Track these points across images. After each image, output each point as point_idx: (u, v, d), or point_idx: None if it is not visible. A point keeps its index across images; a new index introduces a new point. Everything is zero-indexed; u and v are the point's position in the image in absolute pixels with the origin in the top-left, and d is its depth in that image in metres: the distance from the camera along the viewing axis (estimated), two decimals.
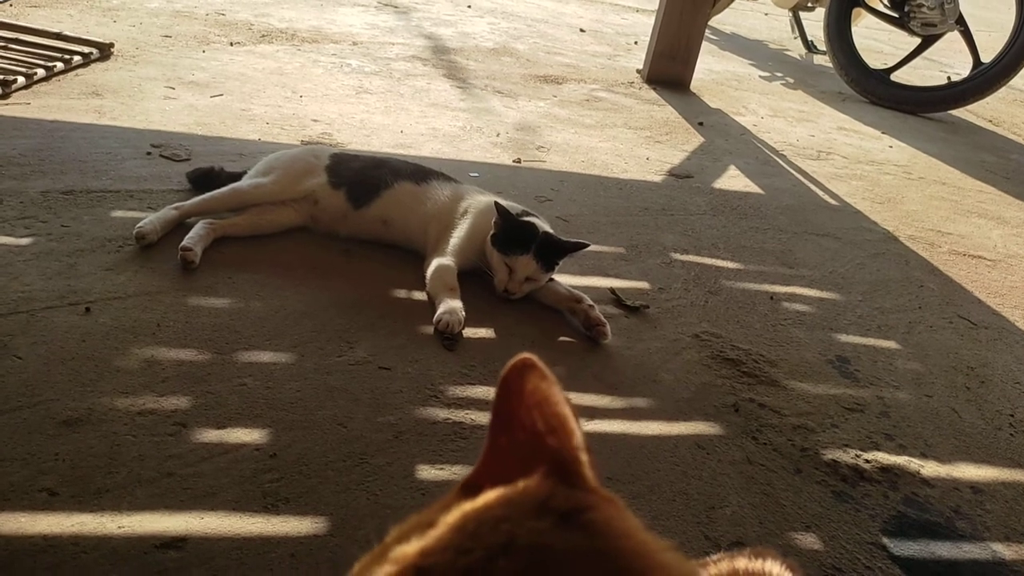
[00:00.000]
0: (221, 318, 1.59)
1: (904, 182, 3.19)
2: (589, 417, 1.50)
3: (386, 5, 4.67)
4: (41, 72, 2.60)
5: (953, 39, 4.35)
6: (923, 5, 4.12)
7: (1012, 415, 1.75)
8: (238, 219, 1.89)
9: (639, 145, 3.07)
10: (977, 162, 3.61)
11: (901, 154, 3.55)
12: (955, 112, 4.35)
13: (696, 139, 3.26)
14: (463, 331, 1.67)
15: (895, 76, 4.32)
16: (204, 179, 2.04)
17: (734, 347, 1.81)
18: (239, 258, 1.81)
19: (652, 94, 3.81)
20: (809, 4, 5.12)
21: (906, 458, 1.54)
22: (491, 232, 1.82)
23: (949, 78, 4.38)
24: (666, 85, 3.94)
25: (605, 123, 3.27)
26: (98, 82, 2.70)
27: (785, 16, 5.85)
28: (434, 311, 1.70)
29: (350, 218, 1.94)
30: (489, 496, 0.42)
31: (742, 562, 0.76)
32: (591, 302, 1.79)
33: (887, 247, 2.52)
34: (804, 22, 5.43)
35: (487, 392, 1.51)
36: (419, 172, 2.00)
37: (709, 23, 4.51)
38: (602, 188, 2.59)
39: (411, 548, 0.40)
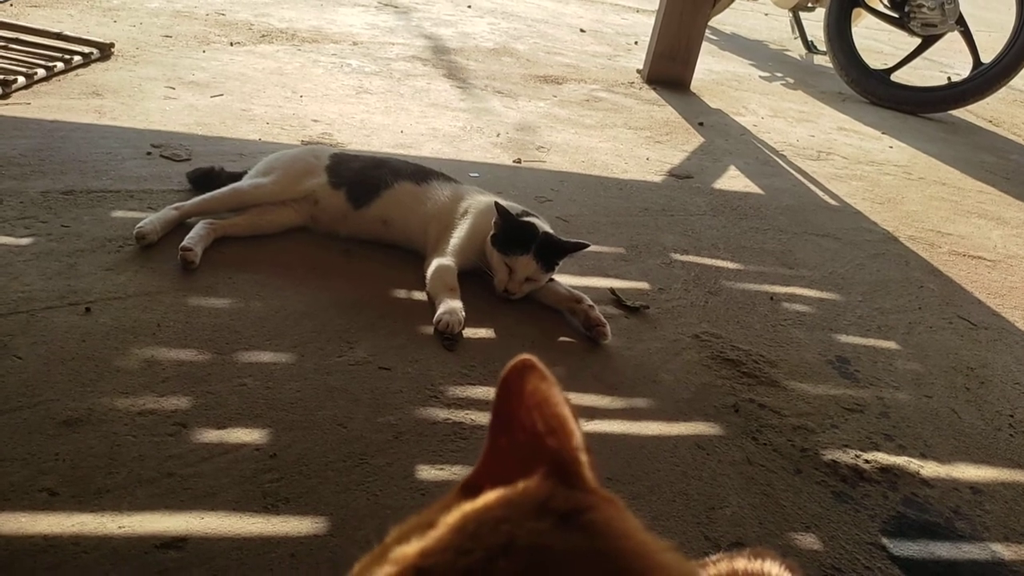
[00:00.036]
0: (221, 318, 1.60)
1: (904, 182, 3.19)
2: (589, 417, 1.51)
3: (386, 5, 4.67)
4: (41, 72, 2.60)
5: (953, 39, 4.35)
6: (923, 5, 4.12)
7: (1012, 415, 1.75)
8: (238, 219, 1.89)
9: (639, 145, 3.07)
10: (977, 162, 3.61)
11: (901, 154, 3.55)
12: (955, 112, 4.35)
13: (696, 139, 3.26)
14: (463, 331, 1.68)
15: (895, 76, 4.32)
16: (204, 179, 2.04)
17: (734, 347, 1.81)
18: (239, 258, 1.82)
19: (652, 94, 3.81)
20: (809, 4, 5.12)
21: (906, 458, 1.54)
22: (491, 232, 1.82)
23: (949, 78, 4.38)
24: (666, 85, 3.94)
25: (605, 123, 3.27)
26: (98, 82, 2.71)
27: (785, 16, 5.86)
28: (434, 311, 1.70)
29: (350, 218, 1.94)
30: (489, 497, 0.42)
31: (741, 562, 0.77)
32: (591, 302, 1.79)
33: (887, 247, 2.52)
34: (804, 22, 5.43)
35: (487, 392, 1.51)
36: (419, 172, 2.00)
37: (709, 23, 4.51)
38: (602, 188, 2.59)
39: (411, 549, 0.40)
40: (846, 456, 1.52)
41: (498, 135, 2.89)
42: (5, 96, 2.44)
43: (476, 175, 2.47)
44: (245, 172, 2.01)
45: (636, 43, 4.82)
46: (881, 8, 4.32)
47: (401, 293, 1.82)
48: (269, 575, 1.08)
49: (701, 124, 3.46)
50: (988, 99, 4.14)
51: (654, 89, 3.88)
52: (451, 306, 1.68)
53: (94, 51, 2.88)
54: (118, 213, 1.91)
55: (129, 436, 1.27)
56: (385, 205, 1.93)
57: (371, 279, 1.84)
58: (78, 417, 1.28)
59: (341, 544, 1.14)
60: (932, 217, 2.85)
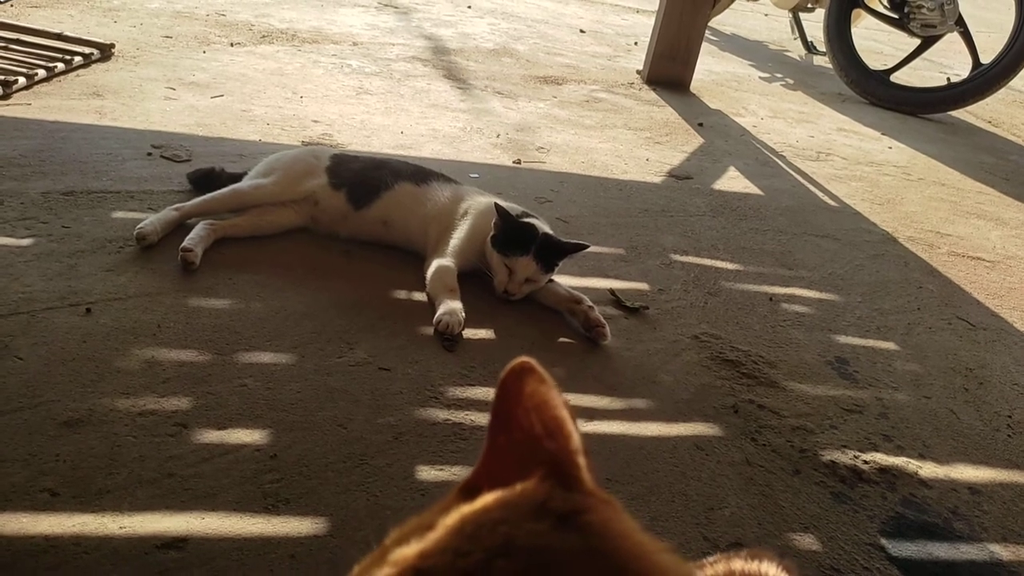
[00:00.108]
0: (222, 319, 1.60)
1: (903, 183, 3.19)
2: (589, 418, 1.51)
3: (386, 6, 4.67)
4: (42, 73, 2.61)
5: (953, 40, 4.35)
6: (923, 6, 4.13)
7: (1010, 416, 1.75)
8: (239, 220, 1.90)
9: (639, 146, 3.08)
10: (976, 163, 3.62)
11: (900, 155, 3.55)
12: (954, 113, 4.35)
13: (696, 140, 3.27)
14: (463, 332, 1.68)
15: (895, 77, 4.32)
16: (205, 180, 2.05)
17: (733, 348, 1.81)
18: (240, 259, 1.82)
19: (652, 95, 3.81)
20: (809, 5, 5.12)
21: (904, 459, 1.55)
22: (491, 233, 1.82)
23: (948, 79, 4.39)
24: (666, 86, 3.94)
25: (605, 124, 3.27)
26: (99, 83, 2.71)
27: (785, 17, 5.86)
28: (434, 312, 1.70)
29: (350, 219, 1.95)
30: (487, 499, 0.42)
31: (739, 563, 0.77)
32: (591, 303, 1.79)
33: (886, 248, 2.52)
34: (804, 23, 5.43)
35: (487, 393, 1.52)
36: (419, 173, 2.00)
37: (709, 24, 4.51)
38: (602, 189, 2.59)
39: (410, 550, 0.40)
40: (845, 457, 1.53)
41: (498, 136, 2.90)
42: (6, 97, 2.44)
43: (476, 176, 2.47)
44: (245, 173, 2.01)
45: (636, 44, 4.83)
46: (880, 9, 4.33)
47: (401, 294, 1.82)
48: (269, 575, 1.09)
49: (701, 125, 3.46)
50: (987, 100, 4.14)
51: (654, 90, 3.88)
52: (451, 307, 1.69)
53: (94, 52, 2.88)
54: (118, 214, 1.91)
55: (130, 437, 1.27)
56: (385, 206, 1.93)
57: (371, 280, 1.84)
58: (79, 418, 1.29)
59: (341, 545, 1.15)
60: (931, 218, 2.85)
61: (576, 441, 0.44)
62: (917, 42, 4.30)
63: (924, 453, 1.58)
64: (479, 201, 1.94)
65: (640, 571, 0.39)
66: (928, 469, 1.53)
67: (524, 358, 0.46)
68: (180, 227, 1.85)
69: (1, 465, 1.18)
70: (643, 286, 2.02)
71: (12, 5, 3.35)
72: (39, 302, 1.55)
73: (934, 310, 2.16)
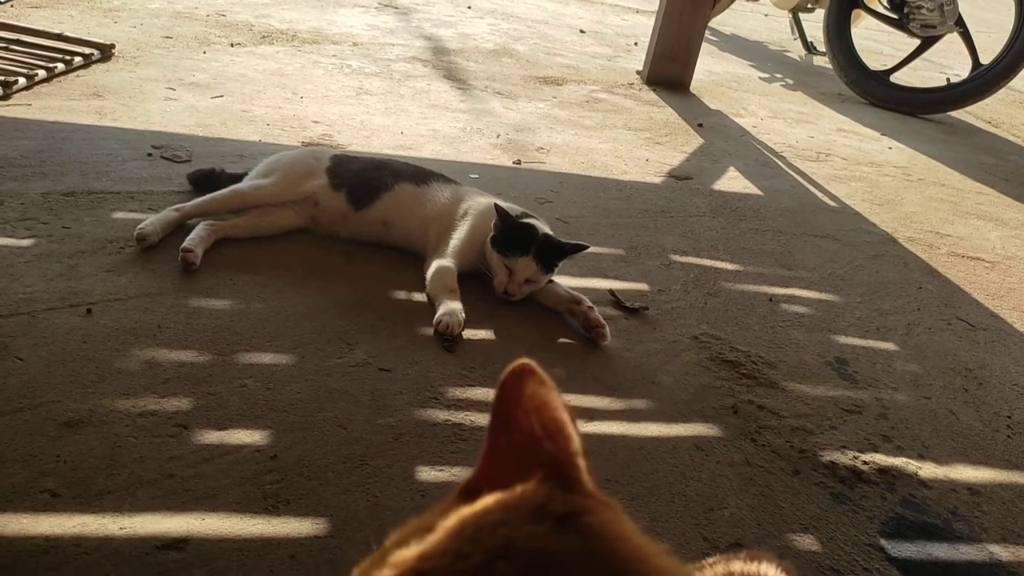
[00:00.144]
0: (222, 319, 1.60)
1: (903, 184, 3.19)
2: (588, 419, 1.51)
3: (386, 6, 4.68)
4: (42, 73, 2.61)
5: (952, 40, 4.36)
6: (922, 6, 4.13)
7: (1010, 417, 1.75)
8: (239, 220, 1.90)
9: (639, 146, 3.08)
10: (976, 164, 3.62)
11: (900, 155, 3.55)
12: (954, 113, 4.36)
13: (696, 140, 3.27)
14: (463, 333, 1.68)
15: (894, 77, 4.33)
16: (205, 180, 2.05)
17: (733, 349, 1.81)
18: (240, 259, 1.82)
19: (652, 95, 3.81)
20: (809, 5, 5.12)
21: (904, 460, 1.55)
22: (491, 234, 1.82)
23: (948, 79, 4.39)
24: (666, 86, 3.94)
25: (605, 124, 3.27)
26: (99, 83, 2.71)
27: (785, 17, 5.86)
28: (434, 313, 1.70)
29: (350, 220, 1.95)
30: (487, 501, 0.42)
31: (738, 565, 0.77)
32: (590, 304, 1.79)
33: (886, 249, 2.53)
34: (804, 23, 5.43)
35: (487, 394, 1.52)
36: (419, 174, 2.00)
37: (709, 24, 4.51)
38: (602, 190, 2.59)
39: (410, 552, 0.40)
40: (844, 457, 1.53)
41: (498, 136, 2.90)
42: (6, 97, 2.44)
43: (476, 176, 2.47)
44: (246, 173, 2.01)
45: (636, 44, 4.83)
46: (880, 9, 4.33)
47: (401, 294, 1.82)
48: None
49: (701, 125, 3.46)
50: (987, 100, 4.14)
51: (654, 90, 3.89)
52: (451, 307, 1.69)
53: (95, 52, 2.88)
54: (119, 214, 1.91)
55: (130, 437, 1.27)
56: (385, 207, 1.93)
57: (371, 280, 1.84)
58: (79, 418, 1.29)
59: (341, 545, 1.15)
60: (931, 218, 2.86)
61: (576, 443, 0.44)
62: (917, 42, 4.30)
63: (924, 454, 1.58)
64: (479, 202, 1.94)
65: (640, 573, 0.40)
66: (928, 470, 1.53)
67: (524, 360, 0.46)
68: (180, 228, 1.85)
69: (2, 466, 1.18)
70: (643, 287, 2.03)
71: (12, 5, 3.35)
72: (40, 303, 1.55)
73: (934, 310, 2.16)
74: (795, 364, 1.80)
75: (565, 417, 0.45)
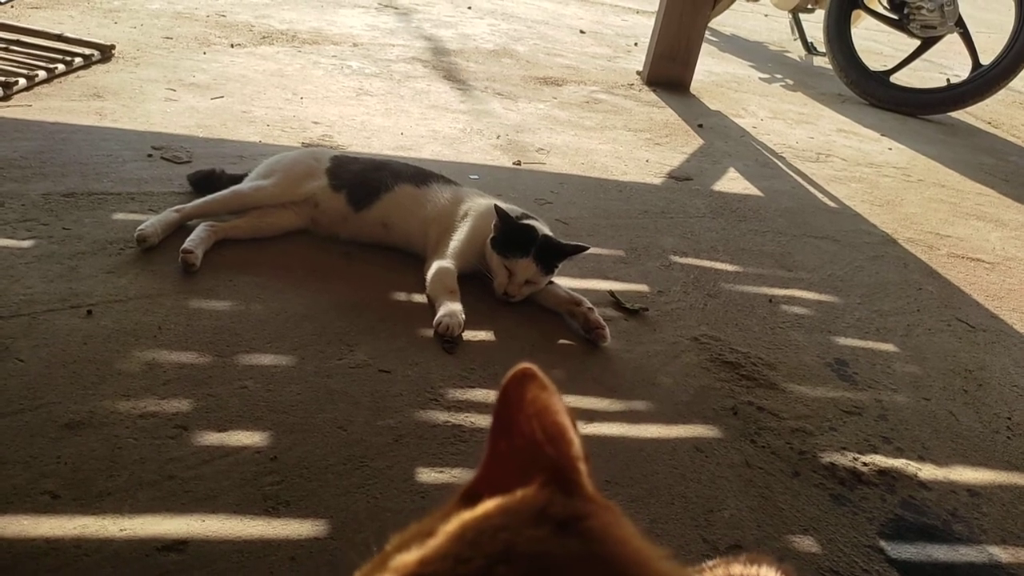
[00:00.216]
0: (222, 321, 1.60)
1: (903, 184, 3.19)
2: (588, 420, 1.51)
3: (386, 6, 4.68)
4: (42, 74, 2.61)
5: (952, 41, 4.36)
6: (922, 7, 4.13)
7: (1009, 418, 1.75)
8: (239, 221, 1.90)
9: (639, 147, 3.08)
10: (976, 164, 3.62)
11: (900, 156, 3.56)
12: (954, 114, 4.36)
13: (696, 141, 3.27)
14: (463, 334, 1.68)
15: (894, 78, 4.33)
16: (205, 181, 2.05)
17: (733, 350, 1.81)
18: (240, 260, 1.82)
19: (652, 96, 3.81)
20: (809, 6, 5.12)
21: (903, 461, 1.55)
22: (491, 235, 1.82)
23: (948, 80, 4.39)
24: (666, 87, 3.94)
25: (605, 125, 3.27)
26: (99, 84, 2.71)
27: (785, 18, 5.86)
28: (434, 314, 1.70)
29: (351, 221, 1.95)
30: (488, 505, 0.42)
31: (737, 568, 0.77)
32: (590, 305, 1.79)
33: (886, 250, 2.53)
34: (804, 24, 5.43)
35: (487, 395, 1.52)
36: (419, 175, 2.00)
37: (709, 25, 4.51)
38: (602, 190, 2.60)
39: (411, 557, 0.40)
40: (844, 459, 1.53)
41: (498, 137, 2.90)
42: (6, 98, 2.44)
43: (476, 177, 2.47)
44: (246, 174, 2.02)
45: (636, 44, 4.83)
46: (880, 10, 4.33)
47: (401, 296, 1.82)
48: None
49: (700, 126, 3.46)
50: (987, 101, 4.14)
51: (654, 91, 3.89)
52: (451, 309, 1.69)
53: (95, 53, 2.88)
54: (119, 215, 1.91)
55: (130, 439, 1.27)
56: (385, 208, 1.93)
57: (371, 282, 1.84)
58: (79, 420, 1.29)
59: (341, 547, 1.15)
60: (931, 219, 2.86)
61: (577, 447, 0.44)
62: (917, 43, 4.30)
63: (923, 455, 1.58)
64: (479, 203, 1.94)
65: None
66: (927, 471, 1.54)
67: (526, 364, 0.46)
68: (181, 229, 1.85)
69: (2, 467, 1.18)
70: (643, 288, 2.03)
71: (13, 6, 3.35)
72: (40, 304, 1.55)
73: (933, 312, 2.16)
74: (795, 365, 1.80)
75: (566, 421, 0.45)
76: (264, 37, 3.62)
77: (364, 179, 1.96)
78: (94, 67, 2.85)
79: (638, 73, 4.10)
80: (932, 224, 2.81)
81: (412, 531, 0.44)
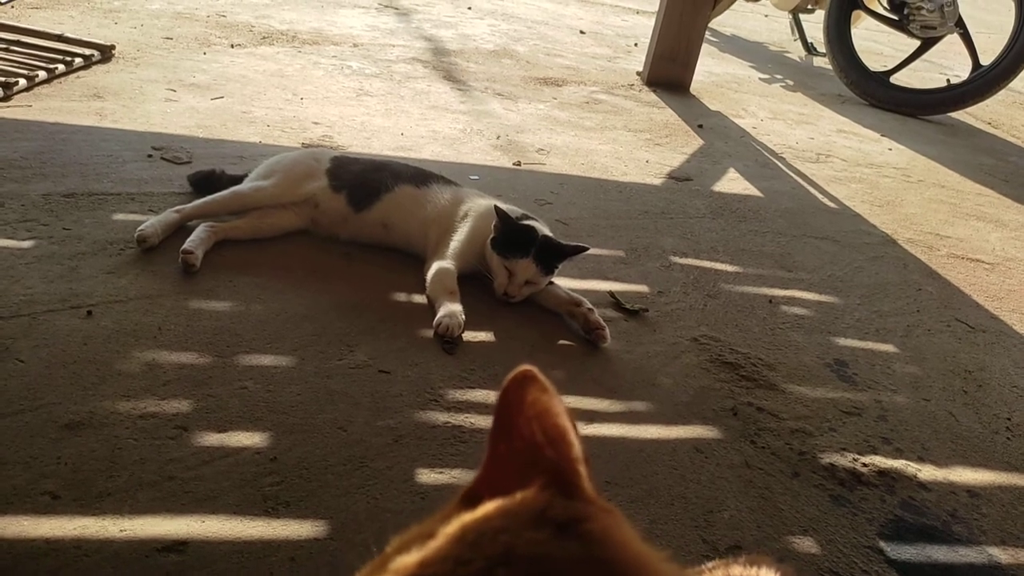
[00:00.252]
0: (222, 321, 1.60)
1: (903, 185, 3.19)
2: (588, 421, 1.51)
3: (387, 7, 4.68)
4: (42, 74, 2.61)
5: (952, 41, 4.36)
6: (922, 7, 4.13)
7: (1009, 419, 1.75)
8: (239, 222, 1.90)
9: (639, 148, 3.08)
10: (976, 165, 3.62)
11: (900, 157, 3.56)
12: (954, 115, 4.36)
13: (696, 141, 3.27)
14: (463, 334, 1.68)
15: (894, 78, 4.33)
16: (205, 182, 2.05)
17: (733, 351, 1.81)
18: (240, 261, 1.82)
19: (652, 96, 3.82)
20: (809, 6, 5.12)
21: (903, 462, 1.55)
22: (491, 236, 1.82)
23: (948, 80, 4.39)
24: (666, 87, 3.94)
25: (605, 125, 3.27)
26: (99, 84, 2.71)
27: (785, 18, 5.86)
28: (434, 314, 1.70)
29: (351, 221, 1.95)
30: (488, 507, 0.42)
31: (737, 570, 0.77)
32: (590, 305, 1.79)
33: (886, 250, 2.53)
34: (804, 24, 5.43)
35: (487, 396, 1.52)
36: (419, 175, 2.01)
37: (709, 25, 4.51)
38: (602, 191, 2.60)
39: (411, 558, 0.40)
40: (844, 459, 1.53)
41: (498, 137, 2.90)
42: (6, 98, 2.44)
43: (476, 178, 2.47)
44: (246, 175, 2.02)
45: (636, 45, 4.83)
46: (880, 10, 4.33)
47: (401, 296, 1.82)
48: None
49: (700, 126, 3.47)
50: (987, 101, 4.15)
51: (654, 91, 3.89)
52: (451, 309, 1.69)
53: (95, 53, 2.89)
54: (119, 216, 1.91)
55: (130, 439, 1.27)
56: (385, 208, 1.94)
57: (371, 282, 1.85)
58: (80, 420, 1.29)
59: (341, 548, 1.15)
60: (931, 220, 2.86)
61: (577, 450, 0.44)
62: (917, 43, 4.30)
63: (923, 456, 1.58)
64: (479, 203, 1.94)
65: None
66: (927, 472, 1.54)
67: (526, 366, 0.47)
68: (181, 229, 1.85)
69: (2, 468, 1.18)
70: (643, 288, 2.03)
71: (13, 6, 3.35)
72: (40, 304, 1.55)
73: (933, 312, 2.17)
74: (795, 366, 1.80)
75: (566, 424, 0.45)
76: (264, 37, 3.62)
77: (364, 180, 1.96)
78: (94, 67, 2.85)
79: (638, 73, 4.10)
80: (932, 225, 2.81)
81: (412, 533, 0.44)
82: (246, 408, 1.38)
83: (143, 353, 1.47)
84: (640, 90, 3.88)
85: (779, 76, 4.76)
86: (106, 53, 2.94)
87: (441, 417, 1.45)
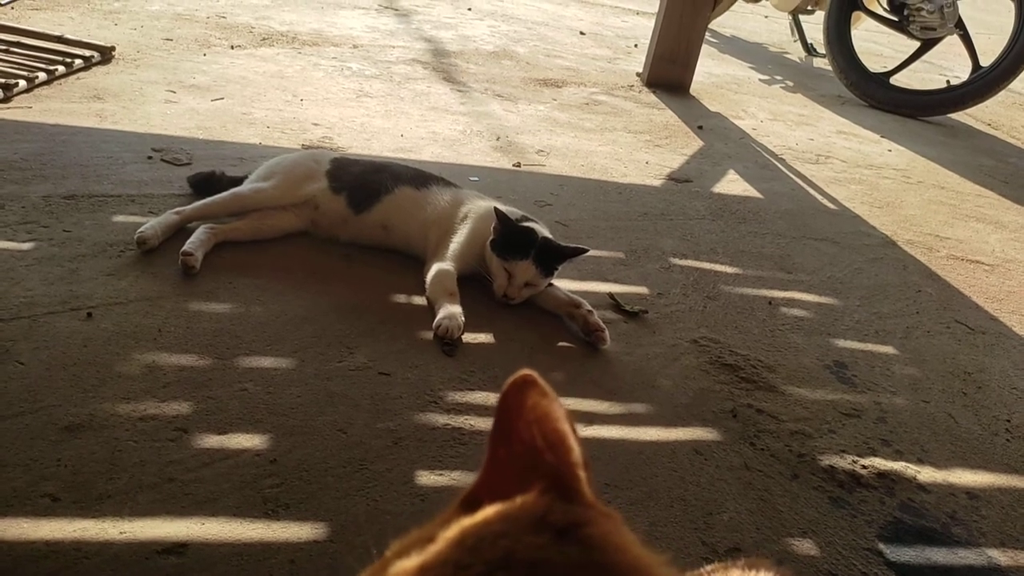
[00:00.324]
0: (222, 323, 1.60)
1: (903, 186, 3.19)
2: (588, 423, 1.51)
3: (386, 8, 4.68)
4: (42, 76, 2.61)
5: (952, 43, 4.36)
6: (922, 9, 4.13)
7: (1009, 420, 1.75)
8: (239, 224, 1.90)
9: (638, 149, 3.08)
10: (976, 166, 3.62)
11: (900, 158, 3.56)
12: (954, 116, 4.36)
13: (695, 143, 3.27)
14: (463, 336, 1.68)
15: (894, 79, 4.33)
16: (205, 183, 2.05)
17: (732, 352, 1.82)
18: (240, 263, 1.82)
19: (652, 97, 3.82)
20: (809, 7, 5.12)
21: (903, 464, 1.55)
22: (491, 237, 1.82)
23: (948, 82, 4.39)
24: (666, 88, 3.94)
25: (605, 127, 3.28)
26: (99, 86, 2.71)
27: (785, 19, 5.86)
28: (434, 316, 1.70)
29: (351, 223, 1.95)
30: (488, 512, 0.43)
31: (736, 572, 0.77)
32: (590, 307, 1.80)
33: (885, 252, 2.53)
34: (804, 25, 5.43)
35: (486, 398, 1.52)
36: (419, 177, 2.01)
37: (709, 26, 4.51)
38: (601, 192, 2.60)
39: (411, 563, 0.40)
40: (843, 461, 1.53)
41: (498, 139, 2.90)
42: (6, 100, 2.44)
43: (476, 179, 2.47)
44: (246, 176, 2.02)
45: (636, 46, 4.83)
46: (880, 11, 4.33)
47: (401, 298, 1.82)
48: None
49: (700, 128, 3.47)
50: (987, 102, 4.15)
51: (653, 92, 3.89)
52: (451, 311, 1.69)
53: (95, 54, 2.89)
54: (119, 218, 1.91)
55: (130, 441, 1.27)
56: (385, 210, 1.94)
57: (371, 284, 1.85)
58: (80, 423, 1.29)
59: (341, 550, 1.15)
60: (931, 221, 2.86)
61: (577, 454, 0.45)
62: (917, 44, 4.30)
63: (922, 458, 1.58)
64: (479, 205, 1.94)
65: None
66: (926, 474, 1.54)
67: (526, 370, 0.47)
68: (181, 231, 1.85)
69: (2, 470, 1.18)
70: (642, 290, 2.03)
71: (13, 7, 3.35)
72: (40, 306, 1.55)
73: (933, 314, 2.17)
74: (794, 368, 1.81)
75: (566, 428, 0.45)
76: (264, 39, 3.63)
77: (364, 181, 1.96)
78: (94, 69, 2.85)
79: (638, 75, 4.10)
80: (932, 226, 2.81)
81: (412, 537, 0.44)
82: (246, 410, 1.38)
83: (143, 355, 1.47)
84: (640, 91, 3.88)
85: (779, 77, 4.76)
86: (106, 54, 2.94)
87: (441, 419, 1.45)
